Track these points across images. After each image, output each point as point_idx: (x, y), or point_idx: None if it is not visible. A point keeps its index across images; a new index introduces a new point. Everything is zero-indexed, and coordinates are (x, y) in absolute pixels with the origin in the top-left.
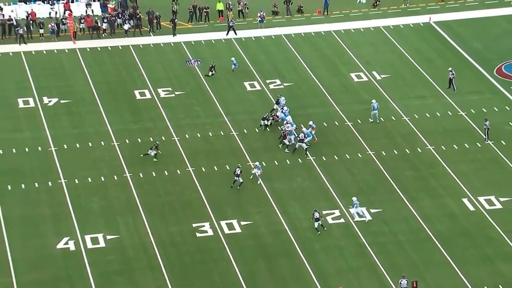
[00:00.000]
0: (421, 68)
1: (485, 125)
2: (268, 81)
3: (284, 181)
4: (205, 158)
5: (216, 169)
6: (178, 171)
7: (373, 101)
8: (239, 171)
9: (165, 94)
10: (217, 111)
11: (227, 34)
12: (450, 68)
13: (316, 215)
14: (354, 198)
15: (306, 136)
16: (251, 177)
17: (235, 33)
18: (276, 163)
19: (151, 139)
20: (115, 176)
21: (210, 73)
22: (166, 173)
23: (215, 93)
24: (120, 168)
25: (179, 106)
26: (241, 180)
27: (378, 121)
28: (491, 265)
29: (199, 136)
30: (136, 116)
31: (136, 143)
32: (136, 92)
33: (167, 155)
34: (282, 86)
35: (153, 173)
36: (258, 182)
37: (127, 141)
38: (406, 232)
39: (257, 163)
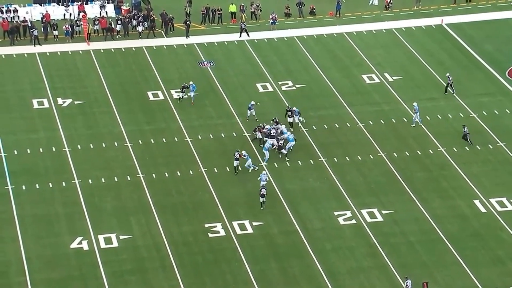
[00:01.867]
0: (433, 70)
1: (464, 131)
2: (280, 83)
3: (295, 182)
4: (217, 158)
5: (228, 170)
6: (190, 171)
7: (414, 104)
8: (238, 155)
9: (177, 95)
10: (229, 112)
11: (240, 36)
12: (447, 74)
13: (236, 155)
14: (244, 152)
15: (287, 141)
16: (249, 170)
17: (248, 35)
18: (288, 164)
19: (164, 140)
20: (128, 177)
21: (180, 95)
22: (179, 174)
23: (227, 94)
24: (133, 168)
25: (192, 107)
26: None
27: (415, 124)
28: (502, 266)
29: (211, 137)
30: (149, 117)
31: (149, 143)
32: (149, 93)
33: (179, 155)
34: (294, 88)
35: (166, 173)
36: (252, 169)
37: (140, 141)
38: (417, 233)
39: (244, 151)
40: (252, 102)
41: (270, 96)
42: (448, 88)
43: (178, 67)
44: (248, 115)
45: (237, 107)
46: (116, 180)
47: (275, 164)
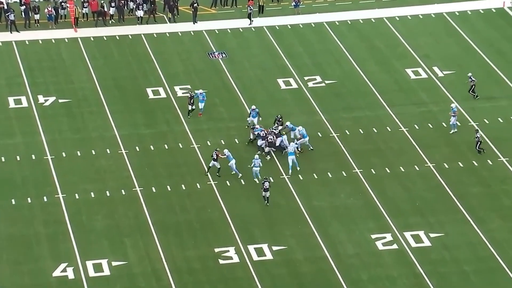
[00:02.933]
0: (492, 63)
1: (476, 137)
2: (306, 78)
3: (324, 198)
4: (229, 169)
5: (243, 183)
6: (197, 184)
7: (453, 105)
8: (216, 155)
9: (183, 93)
10: (244, 113)
11: (250, 22)
12: (469, 74)
13: (266, 184)
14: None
15: (302, 136)
16: (232, 173)
17: (251, 21)
18: (315, 176)
19: (166, 146)
20: (122, 190)
21: (190, 107)
22: (184, 187)
23: (242, 92)
24: (128, 180)
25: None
26: (218, 166)
27: (454, 130)
28: None
29: (223, 143)
30: (148, 118)
31: (148, 150)
32: (149, 90)
33: (184, 165)
34: (323, 84)
35: (168, 186)
36: (232, 172)
37: (137, 148)
38: (472, 261)
39: (225, 150)
40: (253, 107)
41: (294, 94)
42: (470, 91)
43: (183, 59)
44: (249, 122)
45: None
46: (108, 194)
47: (300, 176)
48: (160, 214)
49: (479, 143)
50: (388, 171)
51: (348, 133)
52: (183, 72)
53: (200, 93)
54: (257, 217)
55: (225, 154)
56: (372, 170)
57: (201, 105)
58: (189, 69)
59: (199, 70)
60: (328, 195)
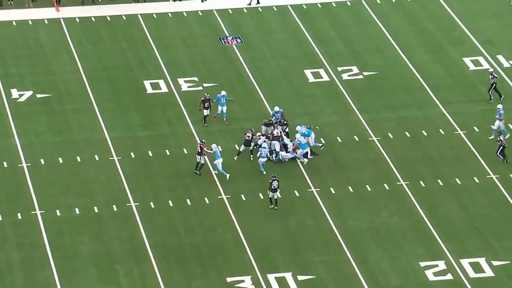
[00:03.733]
0: None
1: (499, 140)
2: (340, 69)
3: (362, 216)
4: (246, 180)
5: (261, 197)
6: (206, 199)
7: (499, 106)
8: (200, 147)
9: (188, 87)
10: (263, 112)
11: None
12: (491, 70)
13: (275, 184)
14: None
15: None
16: (215, 173)
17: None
18: (351, 189)
19: (168, 152)
20: (114, 206)
21: (205, 112)
22: (189, 202)
23: (261, 86)
24: (121, 193)
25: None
26: (201, 162)
27: (496, 136)
28: None
29: (237, 148)
30: (146, 118)
31: (145, 157)
32: (147, 83)
33: (190, 175)
34: (361, 76)
35: (170, 201)
36: (215, 171)
37: (132, 154)
38: None
39: (214, 145)
40: (277, 108)
41: (325, 88)
42: (490, 91)
43: (189, 45)
44: (263, 131)
45: (274, 104)
46: (96, 211)
47: (332, 189)
48: (160, 235)
49: (502, 147)
50: (441, 183)
51: (391, 136)
52: (188, 61)
53: (223, 96)
54: (279, 240)
55: (212, 150)
56: (421, 182)
57: (223, 109)
58: (196, 57)
59: (209, 59)
60: (366, 213)
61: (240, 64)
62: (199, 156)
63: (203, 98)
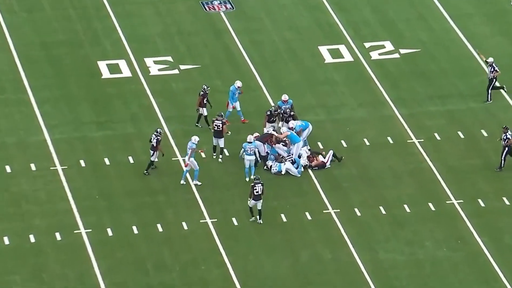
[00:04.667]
0: None
1: (506, 136)
2: (368, 45)
3: (398, 247)
4: (236, 197)
5: (260, 221)
6: (184, 224)
7: None
8: (156, 137)
9: (159, 70)
10: (262, 104)
11: None
12: (491, 60)
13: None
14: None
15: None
16: (181, 181)
17: None
18: (383, 211)
19: (131, 160)
20: (57, 234)
21: (201, 111)
22: (160, 228)
23: (260, 68)
24: (67, 216)
25: (189, 92)
26: (155, 159)
27: None
28: None
29: (226, 153)
30: (101, 112)
31: (100, 166)
32: (102, 65)
33: (163, 191)
34: (396, 55)
35: (134, 228)
36: (182, 182)
37: (82, 162)
38: None
39: (194, 137)
40: (285, 97)
41: (347, 71)
42: (490, 89)
43: (160, 12)
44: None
45: (277, 93)
46: (32, 240)
47: (357, 210)
48: (120, 273)
49: (507, 148)
50: (507, 202)
51: (438, 138)
52: (160, 34)
53: (238, 88)
54: (284, 279)
55: (191, 147)
56: (479, 200)
57: (237, 106)
58: (170, 29)
59: (187, 31)
60: (404, 242)
61: (231, 38)
62: (153, 152)
63: (202, 93)
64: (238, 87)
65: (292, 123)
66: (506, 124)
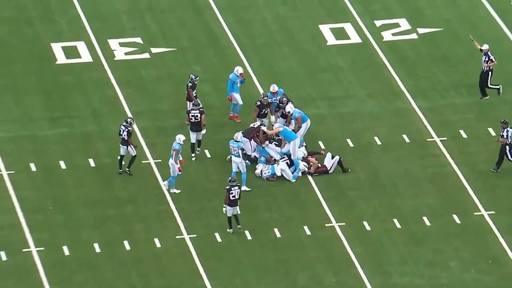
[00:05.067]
0: None
1: (504, 131)
2: (379, 23)
3: (416, 268)
4: (219, 210)
5: (248, 237)
6: (156, 240)
7: None
8: (127, 129)
9: (126, 53)
10: (252, 94)
11: None
12: (486, 47)
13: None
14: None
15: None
16: (166, 186)
17: None
18: (397, 224)
19: (93, 163)
20: (2, 253)
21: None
22: (128, 246)
23: (249, 52)
24: (14, 232)
25: (164, 81)
26: (133, 154)
27: None
28: None
29: (208, 155)
30: (55, 105)
31: (54, 170)
32: (57, 48)
33: (130, 201)
34: (413, 36)
35: (96, 245)
36: (166, 186)
37: (32, 166)
38: None
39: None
40: (274, 88)
41: (355, 55)
42: (489, 82)
43: None
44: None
45: (270, 82)
46: None
47: (366, 224)
48: None
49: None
50: None
51: (465, 135)
52: (128, 11)
53: (240, 75)
54: None
55: (177, 148)
56: None
57: (237, 98)
58: (139, 4)
59: (160, 8)
60: (424, 263)
61: (213, 16)
62: (124, 147)
63: (191, 84)
64: (240, 73)
65: (290, 107)
66: None
